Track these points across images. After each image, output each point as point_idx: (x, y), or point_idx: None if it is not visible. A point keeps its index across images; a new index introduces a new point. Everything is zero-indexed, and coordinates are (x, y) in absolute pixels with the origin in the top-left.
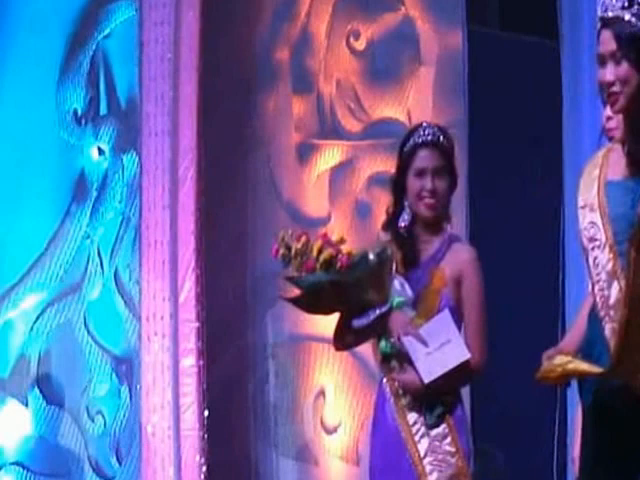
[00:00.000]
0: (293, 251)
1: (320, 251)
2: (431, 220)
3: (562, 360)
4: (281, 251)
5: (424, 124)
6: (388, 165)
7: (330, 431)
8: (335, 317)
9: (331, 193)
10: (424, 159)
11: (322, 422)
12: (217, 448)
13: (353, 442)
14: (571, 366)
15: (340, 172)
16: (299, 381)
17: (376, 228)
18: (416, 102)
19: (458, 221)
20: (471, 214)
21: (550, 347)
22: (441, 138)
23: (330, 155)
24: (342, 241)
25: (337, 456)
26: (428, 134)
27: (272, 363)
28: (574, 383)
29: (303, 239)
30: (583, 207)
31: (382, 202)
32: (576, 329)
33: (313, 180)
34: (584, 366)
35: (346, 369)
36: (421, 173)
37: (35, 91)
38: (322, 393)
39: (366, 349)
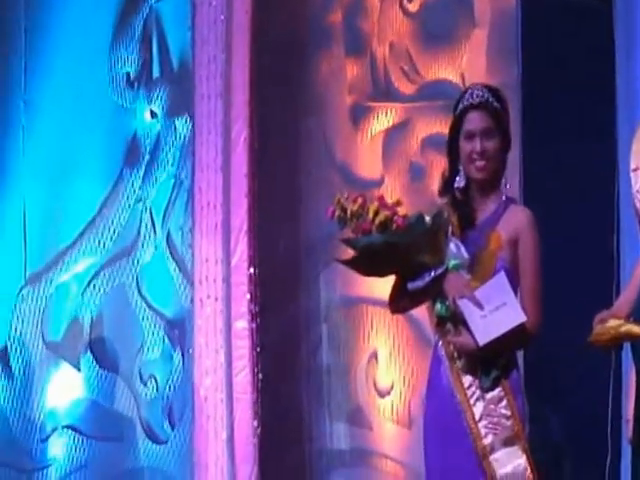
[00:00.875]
0: (349, 213)
1: (376, 213)
2: (484, 182)
3: (614, 323)
4: (337, 213)
5: (474, 86)
6: (442, 127)
7: (383, 394)
8: (390, 280)
9: (385, 155)
10: (472, 121)
11: (375, 385)
12: (270, 411)
13: (406, 405)
14: (623, 329)
15: (394, 134)
16: (352, 344)
17: (430, 190)
18: (470, 63)
19: (512, 183)
20: (525, 177)
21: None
22: (490, 99)
23: (384, 117)
24: (398, 203)
25: (390, 419)
26: (477, 96)
27: (325, 326)
28: (627, 346)
29: (359, 201)
30: (635, 170)
31: (435, 164)
32: (629, 292)
33: (367, 142)
34: (636, 329)
35: (400, 332)
36: (470, 136)
37: (88, 55)
38: (375, 356)
39: (420, 312)
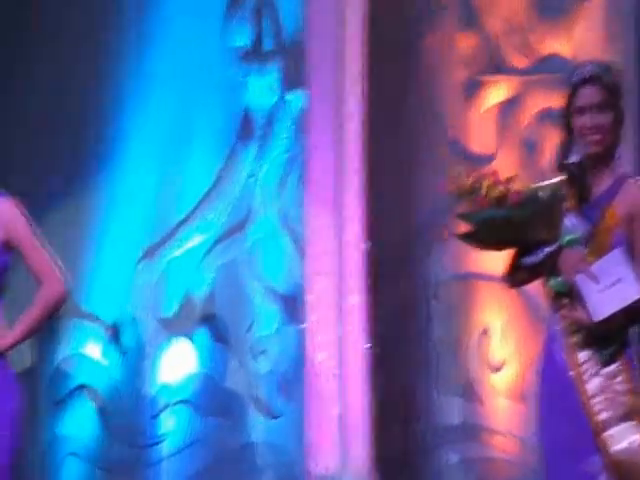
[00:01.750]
0: (464, 188)
1: (490, 188)
2: (598, 156)
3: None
4: (452, 188)
5: (585, 61)
6: (555, 101)
7: (495, 369)
8: (502, 255)
9: (497, 130)
10: (584, 96)
11: (487, 360)
12: (382, 387)
13: (519, 380)
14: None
15: (507, 108)
16: (464, 319)
17: (543, 165)
18: (584, 37)
19: (627, 158)
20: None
21: None
22: (602, 74)
23: (496, 91)
24: (512, 179)
25: (502, 394)
26: (588, 71)
27: (436, 301)
28: None
29: (474, 176)
30: None
31: (549, 139)
32: None
33: (479, 117)
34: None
35: (512, 307)
36: (582, 110)
37: (201, 28)
38: (487, 331)
39: (533, 286)
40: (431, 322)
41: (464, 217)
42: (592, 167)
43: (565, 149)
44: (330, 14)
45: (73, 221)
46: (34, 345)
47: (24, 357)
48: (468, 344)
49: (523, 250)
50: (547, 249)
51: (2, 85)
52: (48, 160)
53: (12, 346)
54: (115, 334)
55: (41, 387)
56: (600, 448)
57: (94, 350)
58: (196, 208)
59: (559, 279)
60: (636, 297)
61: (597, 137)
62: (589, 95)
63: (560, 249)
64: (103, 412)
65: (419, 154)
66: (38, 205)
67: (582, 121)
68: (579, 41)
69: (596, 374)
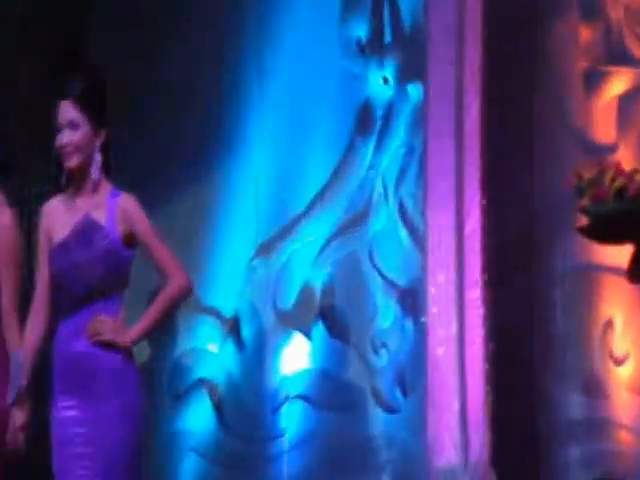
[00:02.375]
0: (586, 181)
1: (613, 180)
2: None
3: None
4: (575, 182)
5: None
6: None
7: (619, 362)
8: (627, 247)
9: (619, 121)
10: None
11: (611, 353)
12: (502, 381)
13: None
14: None
15: (629, 99)
16: (587, 312)
17: None
18: None
19: None
20: None
21: None
22: None
23: (619, 82)
24: (636, 171)
25: (626, 388)
26: None
27: (559, 294)
28: None
29: (597, 168)
30: None
31: None
32: None
33: (601, 108)
34: None
35: (636, 300)
36: None
37: (319, 21)
38: (610, 324)
39: None
40: (553, 315)
41: (584, 211)
42: None
43: None
44: (449, 6)
45: (193, 216)
46: (154, 339)
47: (144, 351)
48: (592, 337)
49: None
50: None
51: (129, 79)
52: (166, 156)
53: (137, 340)
54: (234, 328)
55: (161, 381)
56: None
57: (213, 344)
58: (315, 201)
59: None
60: None
61: None
62: None
63: None
64: (222, 406)
65: (539, 145)
66: (157, 200)
67: None
68: None
69: None
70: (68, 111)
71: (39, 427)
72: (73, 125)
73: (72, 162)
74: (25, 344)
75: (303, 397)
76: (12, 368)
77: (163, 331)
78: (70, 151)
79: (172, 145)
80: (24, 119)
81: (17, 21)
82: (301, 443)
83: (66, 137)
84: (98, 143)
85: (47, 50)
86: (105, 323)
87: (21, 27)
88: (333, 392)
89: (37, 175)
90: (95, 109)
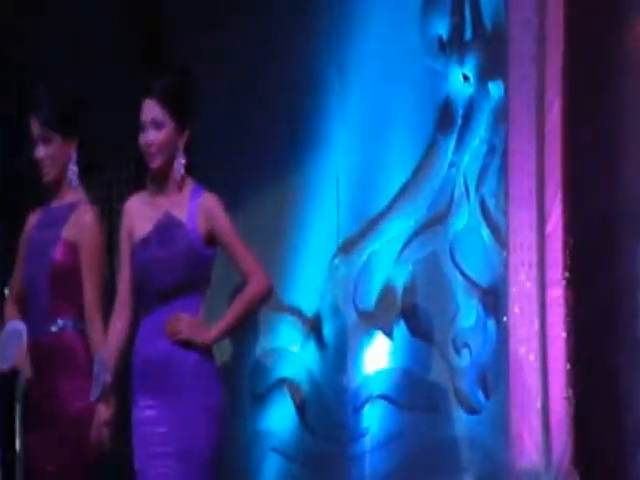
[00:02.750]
0: None
1: None
2: None
3: None
4: None
5: None
6: None
7: None
8: None
9: None
10: None
11: None
12: (584, 379)
13: None
14: None
15: None
16: None
17: None
18: None
19: None
20: None
21: None
22: None
23: None
24: None
25: None
26: None
27: None
28: None
29: None
30: None
31: None
32: None
33: None
34: None
35: None
36: None
37: (399, 18)
38: None
39: None
40: (637, 316)
41: None
42: None
43: None
44: (530, 3)
45: (273, 215)
46: (234, 338)
47: (225, 351)
48: None
49: None
50: None
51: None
52: (247, 155)
53: (217, 340)
54: (315, 327)
55: (241, 381)
56: None
57: (294, 344)
58: (396, 199)
59: None
60: None
61: None
62: None
63: None
64: (303, 406)
65: (622, 142)
66: (238, 199)
67: None
68: None
69: None
70: (152, 110)
71: (122, 426)
72: (157, 124)
73: (156, 161)
74: (109, 343)
75: (385, 397)
76: (95, 366)
77: (244, 330)
78: (154, 150)
79: (253, 144)
80: (105, 118)
81: (98, 20)
82: (383, 443)
83: (150, 136)
84: (181, 142)
85: (127, 49)
86: (185, 321)
87: (103, 27)
88: (415, 392)
89: (118, 174)
90: (179, 108)
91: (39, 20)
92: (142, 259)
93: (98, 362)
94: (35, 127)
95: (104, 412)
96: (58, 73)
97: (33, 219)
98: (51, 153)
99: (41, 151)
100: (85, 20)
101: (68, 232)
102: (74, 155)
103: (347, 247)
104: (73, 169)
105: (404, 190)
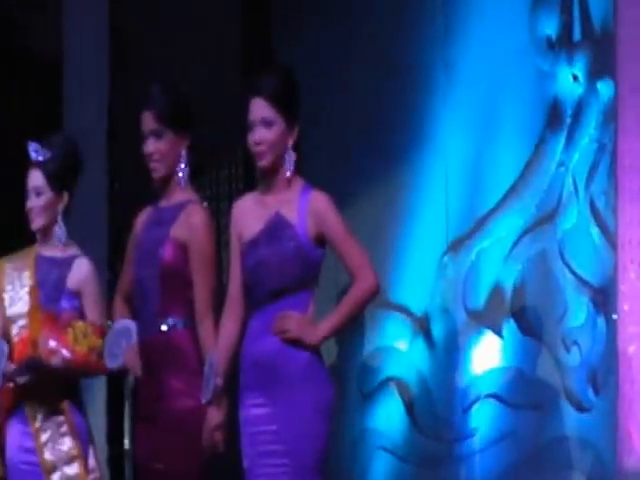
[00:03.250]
0: None
1: None
2: None
3: None
4: None
5: None
6: None
7: None
8: None
9: None
10: None
11: None
12: None
13: None
14: None
15: None
16: None
17: None
18: None
19: None
20: None
21: None
22: None
23: None
24: None
25: None
26: None
27: None
28: None
29: None
30: None
31: None
32: None
33: None
34: None
35: None
36: None
37: (508, 17)
38: None
39: None
40: None
41: None
42: None
43: None
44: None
45: (382, 213)
46: (342, 337)
47: (333, 349)
48: None
49: None
50: None
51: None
52: (355, 154)
53: (325, 338)
54: (424, 326)
55: (350, 380)
56: None
57: (403, 343)
58: (505, 198)
59: None
60: None
61: None
62: None
63: None
64: (412, 405)
65: None
66: (343, 197)
67: None
68: None
69: None
70: (262, 109)
71: (232, 426)
72: (267, 123)
73: (265, 160)
74: (219, 344)
75: (494, 396)
76: (206, 369)
77: (352, 328)
78: (264, 149)
79: (361, 143)
80: (213, 118)
81: (210, 20)
82: (492, 443)
83: (260, 135)
84: (291, 141)
85: (238, 49)
86: (293, 320)
87: (214, 26)
88: (525, 391)
89: (226, 174)
90: (288, 107)
91: (152, 20)
92: (252, 259)
93: (209, 364)
94: (148, 121)
95: (216, 415)
96: (171, 72)
97: (142, 218)
98: (162, 149)
99: (151, 145)
100: (197, 20)
101: (177, 231)
102: (184, 153)
103: (456, 246)
104: (183, 168)
105: (513, 189)
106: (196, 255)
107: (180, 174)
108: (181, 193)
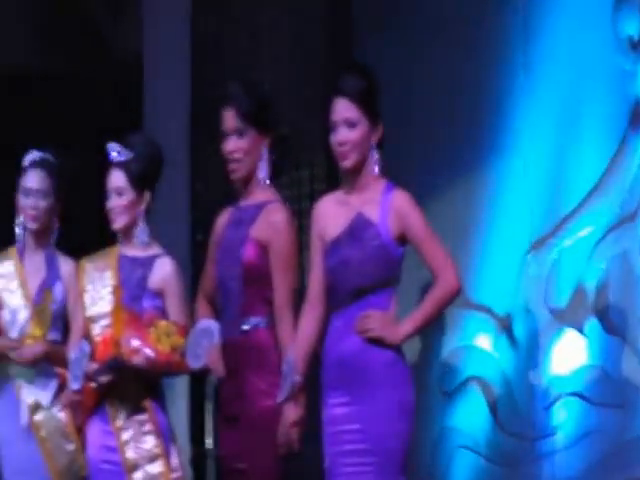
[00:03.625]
0: None
1: None
2: None
3: None
4: None
5: None
6: None
7: None
8: None
9: None
10: None
11: None
12: None
13: None
14: None
15: None
16: None
17: None
18: None
19: None
20: None
21: None
22: None
23: None
24: None
25: None
26: None
27: None
28: None
29: None
30: None
31: None
32: None
33: None
34: None
35: None
36: None
37: (590, 16)
38: None
39: None
40: None
41: None
42: None
43: None
44: None
45: (465, 213)
46: (424, 336)
47: (414, 348)
48: None
49: None
50: None
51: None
52: (437, 154)
53: (406, 337)
54: (507, 326)
55: (431, 378)
56: None
57: (485, 341)
58: (587, 197)
59: None
60: None
61: None
62: None
63: None
64: (494, 404)
65: None
66: (425, 195)
67: None
68: None
69: None
70: (345, 109)
71: (311, 425)
72: (350, 123)
73: (349, 160)
74: (298, 342)
75: (577, 394)
76: (285, 367)
77: (434, 327)
78: (347, 149)
79: (442, 143)
80: (293, 118)
81: (292, 21)
82: (575, 441)
83: (343, 135)
84: (374, 140)
85: (320, 49)
86: (375, 319)
87: (296, 27)
88: (607, 389)
89: (308, 174)
90: (371, 106)
91: (233, 21)
92: (334, 259)
93: (287, 363)
94: (229, 119)
95: (292, 413)
96: (252, 72)
97: (223, 218)
98: (244, 147)
99: (233, 144)
100: (279, 20)
101: (257, 231)
102: (265, 153)
103: (539, 245)
104: (264, 167)
105: (596, 188)
106: (276, 254)
107: (261, 174)
108: (261, 193)
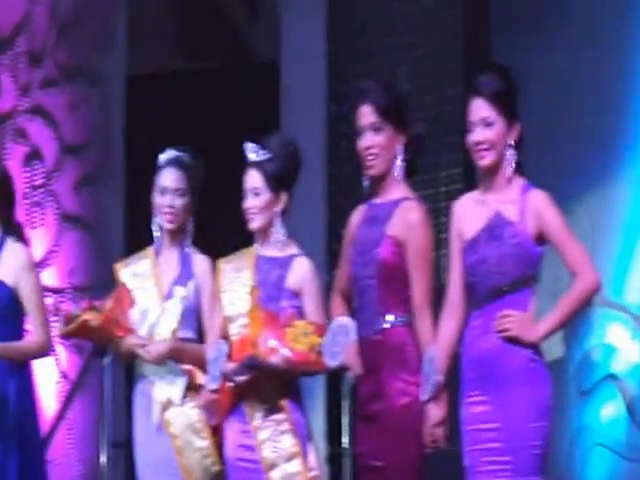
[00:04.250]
0: None
1: None
2: None
3: None
4: None
5: None
6: None
7: None
8: None
9: None
10: None
11: None
12: None
13: None
14: None
15: None
16: None
17: None
18: None
19: None
20: None
21: None
22: None
23: None
24: None
25: None
26: None
27: None
28: None
29: None
30: None
31: None
32: None
33: None
34: None
35: None
36: None
37: None
38: None
39: None
40: None
41: None
42: None
43: None
44: None
45: (605, 212)
46: (562, 334)
47: (552, 346)
48: None
49: None
50: None
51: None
52: (574, 155)
53: (544, 337)
54: None
55: (568, 377)
56: None
57: (622, 340)
58: None
59: None
60: None
61: None
62: None
63: None
64: (631, 402)
65: None
66: (566, 197)
67: None
68: None
69: None
70: (482, 109)
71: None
72: (487, 123)
73: (486, 160)
74: (440, 341)
75: None
76: (425, 366)
77: (571, 326)
78: (485, 148)
79: (579, 144)
80: (430, 118)
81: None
82: None
83: (480, 135)
84: (511, 140)
85: (459, 49)
86: (513, 318)
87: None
88: None
89: (443, 174)
90: (508, 106)
91: (370, 21)
92: (472, 258)
93: (428, 362)
94: (366, 115)
95: (436, 412)
96: (390, 71)
97: (357, 216)
98: (381, 143)
99: (369, 139)
100: (417, 20)
101: (393, 229)
102: (401, 150)
103: None
104: (399, 164)
105: None
106: (413, 252)
107: (397, 170)
108: (397, 190)
